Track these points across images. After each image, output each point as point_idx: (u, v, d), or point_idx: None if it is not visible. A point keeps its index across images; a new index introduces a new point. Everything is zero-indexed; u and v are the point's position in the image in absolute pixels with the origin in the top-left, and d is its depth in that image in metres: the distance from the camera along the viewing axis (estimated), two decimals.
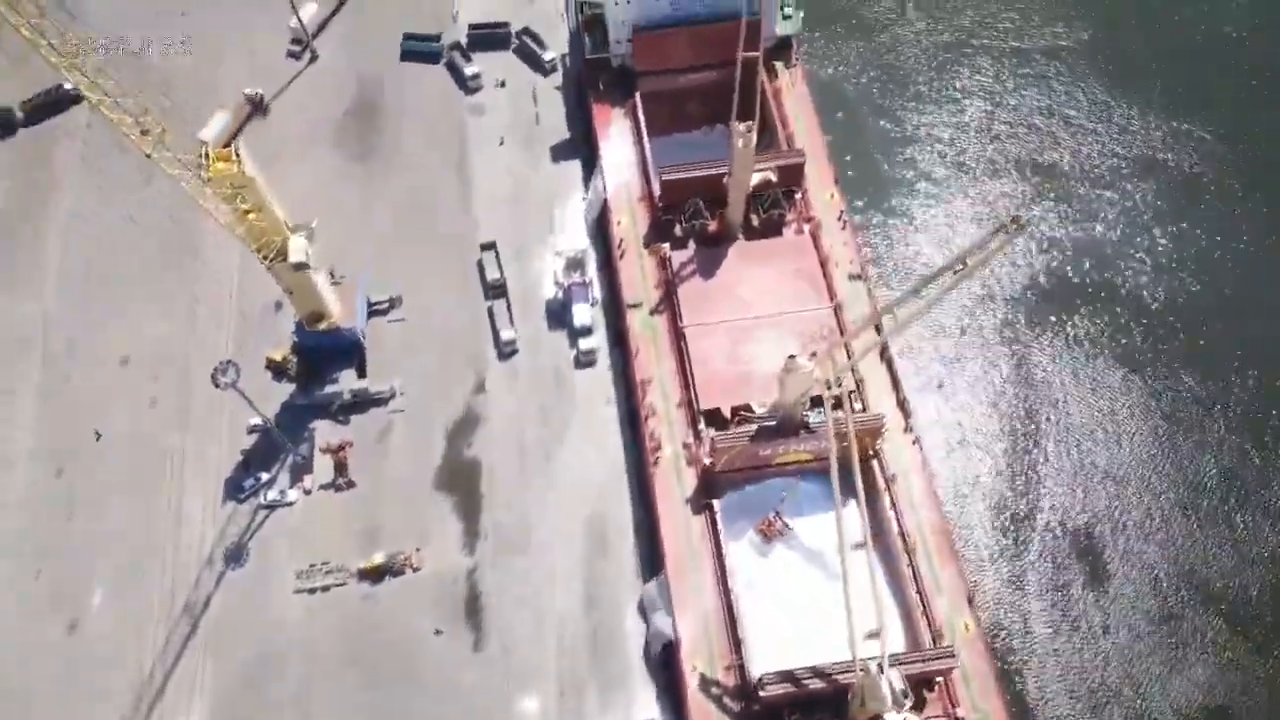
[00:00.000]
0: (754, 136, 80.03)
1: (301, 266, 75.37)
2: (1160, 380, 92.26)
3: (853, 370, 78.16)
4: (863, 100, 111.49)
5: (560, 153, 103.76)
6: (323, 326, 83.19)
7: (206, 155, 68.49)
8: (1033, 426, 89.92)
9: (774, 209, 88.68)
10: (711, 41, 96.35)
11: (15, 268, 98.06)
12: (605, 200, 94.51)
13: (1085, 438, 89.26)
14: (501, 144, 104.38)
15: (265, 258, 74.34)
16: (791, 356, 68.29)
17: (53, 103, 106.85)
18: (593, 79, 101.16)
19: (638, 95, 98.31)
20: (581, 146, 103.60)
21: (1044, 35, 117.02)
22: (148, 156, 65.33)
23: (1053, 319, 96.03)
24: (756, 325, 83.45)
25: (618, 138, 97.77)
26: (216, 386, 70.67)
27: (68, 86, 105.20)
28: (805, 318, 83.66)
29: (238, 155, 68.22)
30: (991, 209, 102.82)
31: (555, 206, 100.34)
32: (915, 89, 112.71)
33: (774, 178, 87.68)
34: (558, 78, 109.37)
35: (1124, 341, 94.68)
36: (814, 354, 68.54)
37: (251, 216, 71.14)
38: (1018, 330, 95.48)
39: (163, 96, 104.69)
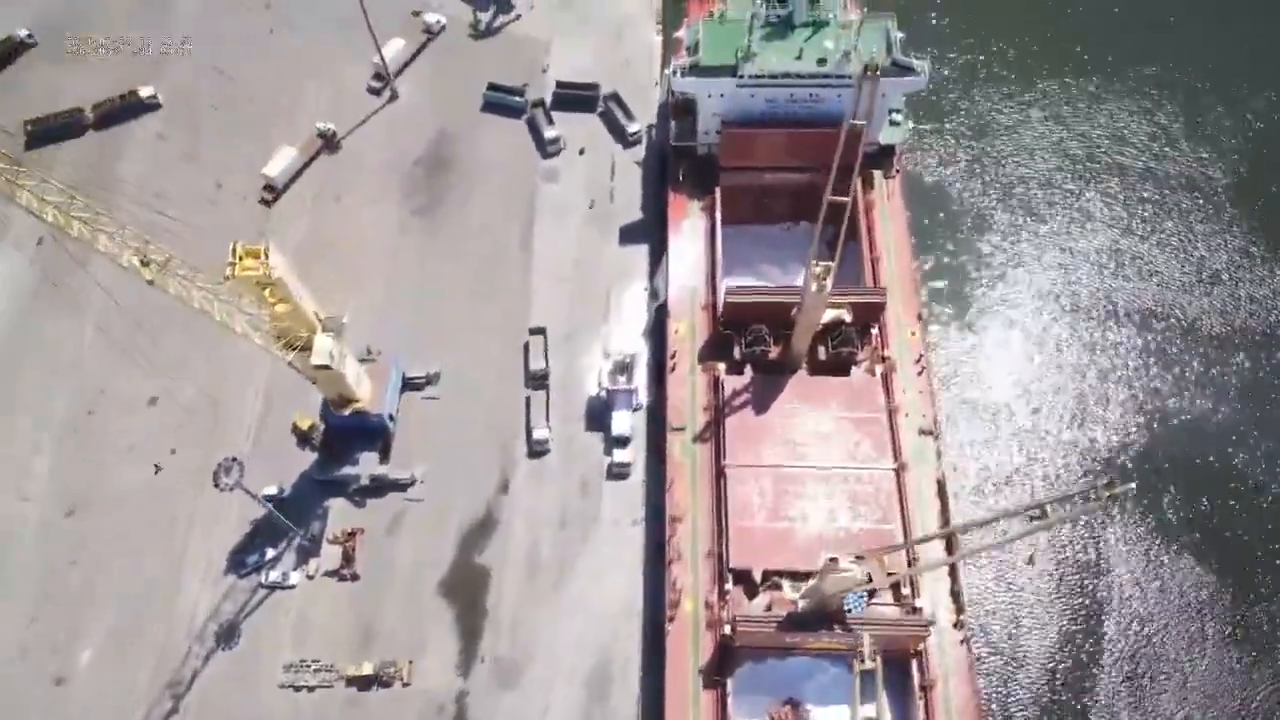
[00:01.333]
0: (830, 281, 71.82)
1: (323, 369, 70.02)
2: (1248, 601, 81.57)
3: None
4: (966, 213, 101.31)
5: (630, 235, 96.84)
6: (348, 412, 78.14)
7: (234, 253, 62.99)
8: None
9: (844, 345, 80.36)
10: (806, 145, 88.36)
11: (62, 292, 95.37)
12: (665, 302, 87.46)
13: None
14: (592, 207, 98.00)
15: (288, 346, 69.06)
16: (832, 559, 60.37)
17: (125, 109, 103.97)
18: (674, 166, 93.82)
19: (718, 191, 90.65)
20: (653, 231, 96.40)
21: (1187, 161, 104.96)
22: (150, 283, 60.13)
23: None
24: (806, 477, 75.47)
25: (689, 235, 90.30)
26: (217, 488, 66.00)
27: (144, 93, 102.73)
28: (863, 477, 75.31)
29: (266, 255, 62.74)
30: (1096, 366, 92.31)
31: (614, 293, 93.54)
32: (1030, 205, 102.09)
33: (848, 318, 79.30)
34: (640, 150, 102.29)
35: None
36: (859, 557, 60.82)
37: (279, 309, 65.98)
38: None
39: (247, 103, 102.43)
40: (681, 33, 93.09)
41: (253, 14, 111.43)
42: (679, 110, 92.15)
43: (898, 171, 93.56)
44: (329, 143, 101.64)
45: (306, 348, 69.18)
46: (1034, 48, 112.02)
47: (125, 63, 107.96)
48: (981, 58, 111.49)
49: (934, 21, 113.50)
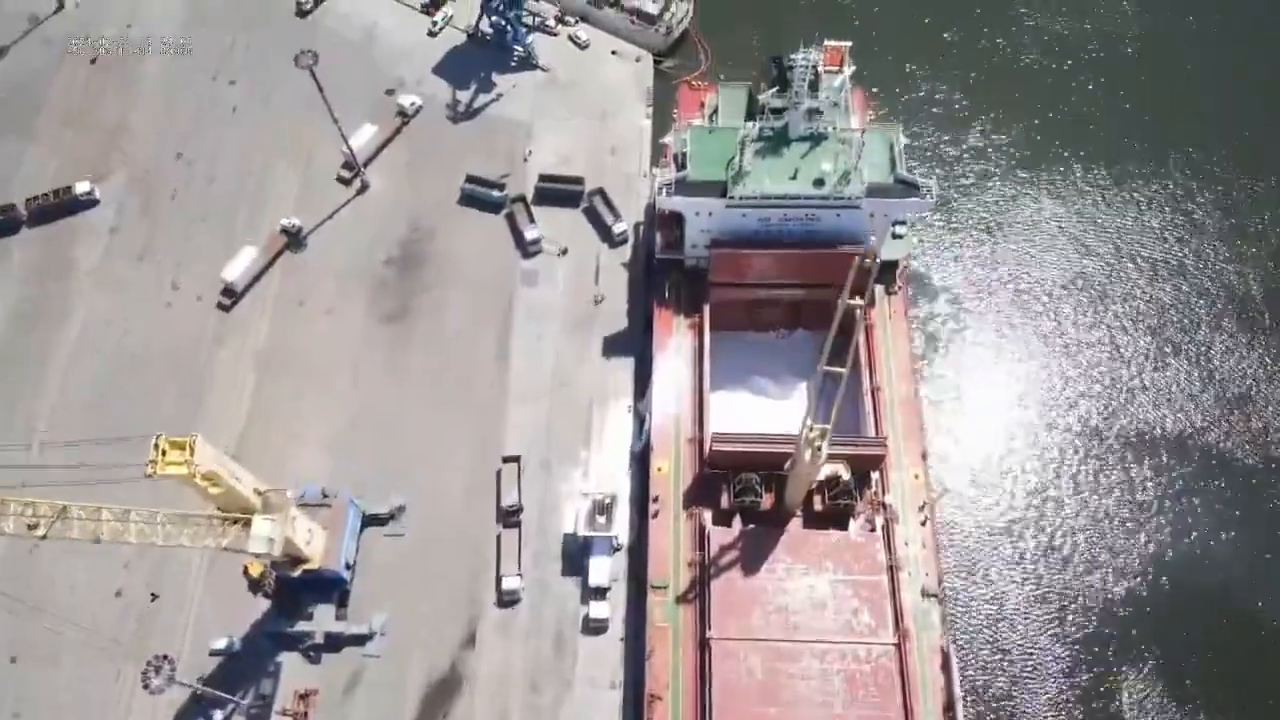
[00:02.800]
0: (825, 448, 64.82)
1: (256, 586, 62.79)
2: None
3: None
4: (980, 326, 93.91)
5: (614, 346, 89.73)
6: (298, 573, 71.03)
7: (158, 447, 55.73)
8: None
9: (842, 497, 73.34)
10: (801, 266, 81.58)
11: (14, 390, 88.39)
12: (648, 432, 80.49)
13: None
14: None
15: (225, 521, 61.76)
16: None
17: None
18: (660, 280, 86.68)
19: (706, 310, 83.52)
20: (639, 340, 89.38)
21: (1214, 265, 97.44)
22: (41, 538, 53.06)
23: None
24: (800, 653, 68.52)
25: (676, 357, 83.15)
26: (147, 689, 58.89)
27: (80, 189, 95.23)
28: (860, 654, 68.35)
29: (192, 450, 55.52)
30: (1115, 497, 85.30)
31: (596, 413, 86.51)
32: (1042, 308, 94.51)
33: (846, 474, 72.30)
34: (626, 250, 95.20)
35: None
36: None
37: (213, 491, 58.86)
38: None
39: (208, 191, 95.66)
40: (669, 139, 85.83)
41: (217, 88, 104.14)
42: (665, 222, 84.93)
43: (900, 286, 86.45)
44: (293, 240, 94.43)
45: (247, 522, 62.05)
46: (1046, 136, 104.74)
47: (83, 141, 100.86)
48: (990, 144, 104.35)
49: (937, 109, 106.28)
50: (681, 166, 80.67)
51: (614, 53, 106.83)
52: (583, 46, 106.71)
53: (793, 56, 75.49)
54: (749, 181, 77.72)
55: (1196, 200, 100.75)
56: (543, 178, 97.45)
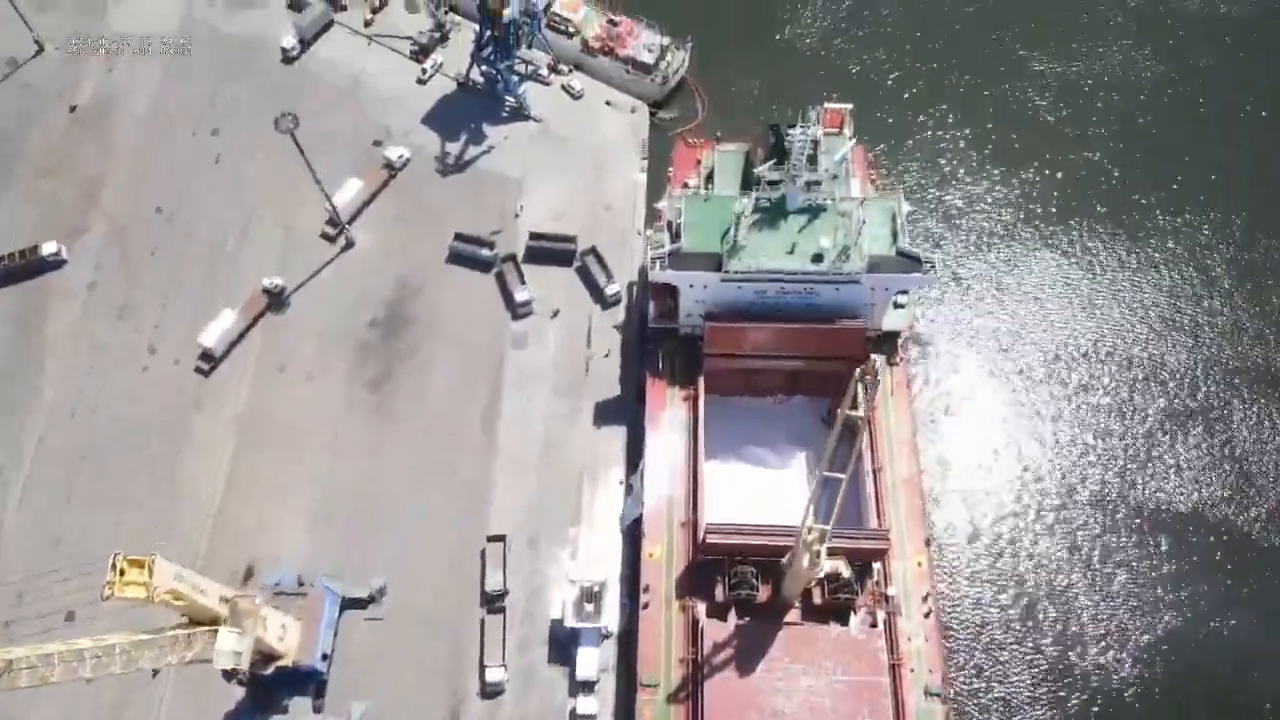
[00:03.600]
0: (823, 555, 61.47)
1: (230, 675, 59.52)
2: None
3: None
4: (986, 392, 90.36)
5: (605, 413, 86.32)
6: (271, 671, 67.71)
7: (116, 567, 52.37)
8: None
9: (842, 592, 69.88)
10: (800, 339, 78.29)
11: None
12: (640, 514, 77.11)
13: None
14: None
15: (190, 632, 58.38)
16: None
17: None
18: (653, 346, 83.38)
19: (701, 382, 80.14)
20: (632, 407, 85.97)
21: (1244, 341, 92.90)
22: None
23: None
24: None
25: (669, 432, 79.75)
26: None
27: (47, 250, 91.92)
28: None
29: (151, 571, 52.17)
30: (1138, 597, 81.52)
31: (587, 485, 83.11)
32: (1064, 386, 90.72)
33: (846, 572, 68.85)
34: (619, 311, 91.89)
35: None
36: None
37: (177, 603, 55.45)
38: None
39: (188, 248, 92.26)
40: (663, 204, 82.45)
41: (198, 139, 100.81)
42: (659, 291, 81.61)
43: (902, 358, 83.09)
44: (275, 300, 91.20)
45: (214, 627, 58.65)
46: (1056, 189, 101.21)
47: (61, 193, 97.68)
48: (997, 197, 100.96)
49: (942, 159, 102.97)
50: (675, 236, 77.35)
51: (608, 103, 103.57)
52: (576, 96, 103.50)
53: (790, 130, 72.31)
54: (744, 256, 74.42)
55: (1214, 258, 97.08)
56: (534, 236, 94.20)
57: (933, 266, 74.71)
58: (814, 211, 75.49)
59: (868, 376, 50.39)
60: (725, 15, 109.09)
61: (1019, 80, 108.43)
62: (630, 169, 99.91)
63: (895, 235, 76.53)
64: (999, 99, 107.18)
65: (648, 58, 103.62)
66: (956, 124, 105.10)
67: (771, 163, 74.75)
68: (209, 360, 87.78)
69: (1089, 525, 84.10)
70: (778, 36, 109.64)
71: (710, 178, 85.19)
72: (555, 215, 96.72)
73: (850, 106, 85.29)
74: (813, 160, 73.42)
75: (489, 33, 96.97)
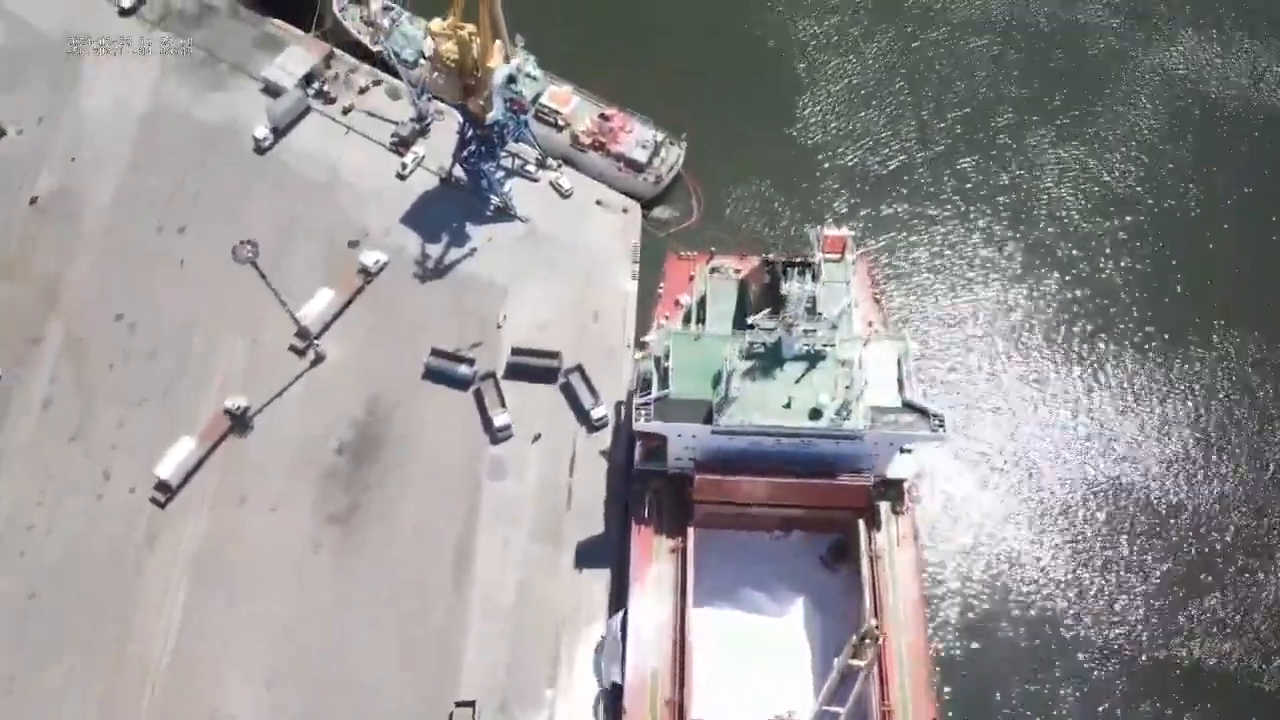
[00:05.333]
0: None
1: None
2: None
3: None
4: (998, 546, 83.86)
5: (588, 555, 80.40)
6: None
7: None
8: None
9: None
10: (798, 493, 72.55)
11: None
12: (621, 685, 71.12)
13: None
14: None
15: None
16: None
17: None
18: (639, 487, 77.56)
19: (690, 534, 74.23)
20: (615, 547, 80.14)
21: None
22: None
23: None
24: None
25: (654, 591, 73.72)
26: None
27: None
28: None
29: None
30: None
31: (565, 640, 77.16)
32: (1084, 536, 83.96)
33: None
34: (606, 435, 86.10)
35: None
36: None
37: None
38: None
39: (149, 361, 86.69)
40: (651, 337, 76.70)
41: (164, 236, 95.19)
42: (646, 434, 75.75)
43: (908, 506, 77.12)
44: (238, 422, 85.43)
45: None
46: (1079, 306, 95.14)
47: (18, 295, 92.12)
48: (1012, 312, 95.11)
49: (953, 266, 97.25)
50: (663, 380, 71.54)
51: (599, 202, 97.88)
52: (565, 195, 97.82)
53: (788, 268, 66.69)
54: (737, 410, 68.52)
55: (1258, 380, 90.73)
56: (515, 351, 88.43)
57: (942, 424, 68.54)
58: (812, 359, 69.67)
59: (868, 640, 44.44)
60: (722, 108, 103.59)
61: (1035, 171, 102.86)
62: (620, 276, 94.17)
63: (902, 383, 70.66)
64: (1013, 191, 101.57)
65: (640, 155, 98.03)
66: (964, 218, 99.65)
67: (766, 312, 68.90)
68: (165, 491, 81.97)
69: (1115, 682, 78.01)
70: (776, 129, 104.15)
71: (703, 303, 79.41)
72: (540, 326, 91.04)
73: (852, 233, 79.88)
74: (811, 310, 67.60)
75: (472, 132, 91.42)
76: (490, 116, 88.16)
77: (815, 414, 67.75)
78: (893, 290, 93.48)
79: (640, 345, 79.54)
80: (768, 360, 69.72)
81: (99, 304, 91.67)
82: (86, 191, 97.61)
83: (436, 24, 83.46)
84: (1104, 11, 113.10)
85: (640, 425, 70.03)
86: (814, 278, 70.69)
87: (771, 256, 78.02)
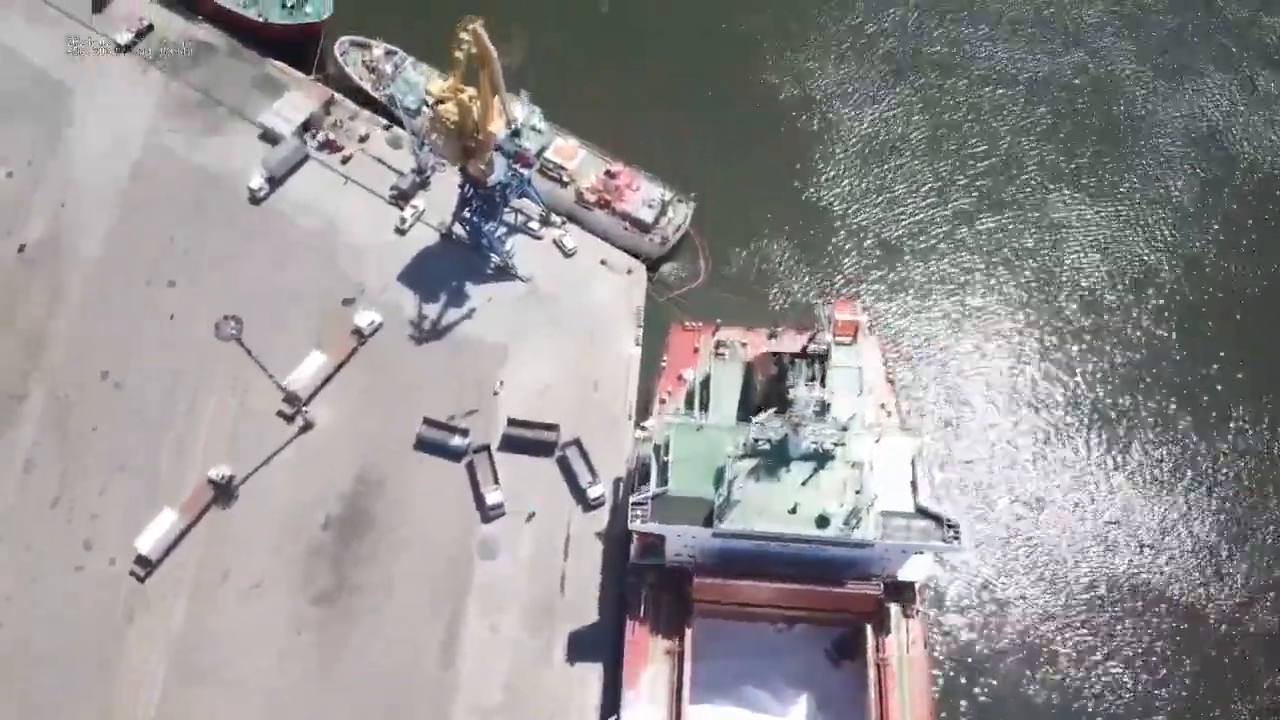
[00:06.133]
0: None
1: None
2: None
3: None
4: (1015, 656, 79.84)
5: (580, 647, 76.70)
6: None
7: None
8: None
9: None
10: (804, 598, 68.83)
11: None
12: None
13: None
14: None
15: None
16: None
17: None
18: (635, 584, 73.90)
19: (689, 636, 70.55)
20: (611, 637, 76.47)
21: None
22: None
23: None
24: None
25: (649, 695, 69.90)
26: None
27: None
28: None
29: None
30: None
31: None
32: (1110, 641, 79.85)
33: None
34: (603, 514, 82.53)
35: None
36: None
37: None
38: None
39: (134, 424, 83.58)
40: (651, 423, 73.05)
41: (153, 290, 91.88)
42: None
43: (919, 610, 73.13)
44: (222, 492, 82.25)
45: None
46: (1102, 398, 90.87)
47: (2, 347, 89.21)
48: (1035, 403, 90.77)
49: (970, 353, 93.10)
50: (661, 474, 67.88)
51: (603, 262, 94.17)
52: (569, 254, 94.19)
53: (794, 390, 63.06)
54: (738, 515, 64.75)
55: None
56: (512, 422, 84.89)
57: (957, 534, 64.60)
58: (820, 460, 65.86)
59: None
60: (732, 163, 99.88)
61: (1059, 234, 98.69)
62: (624, 341, 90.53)
63: (915, 485, 66.77)
64: (1035, 256, 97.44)
65: (647, 214, 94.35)
66: (984, 283, 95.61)
67: (771, 412, 65.11)
68: (145, 565, 78.88)
69: None
70: (787, 185, 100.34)
71: (706, 384, 75.68)
72: (539, 392, 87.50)
73: (864, 315, 76.02)
74: (820, 412, 63.86)
75: (472, 191, 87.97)
76: (492, 179, 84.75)
77: (822, 521, 63.95)
78: (906, 366, 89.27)
79: (640, 428, 75.63)
80: (772, 459, 65.96)
81: (84, 360, 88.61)
82: (75, 240, 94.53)
83: (436, 86, 79.90)
84: (1134, 67, 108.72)
85: (636, 525, 66.34)
86: (823, 380, 66.66)
87: (778, 347, 74.20)
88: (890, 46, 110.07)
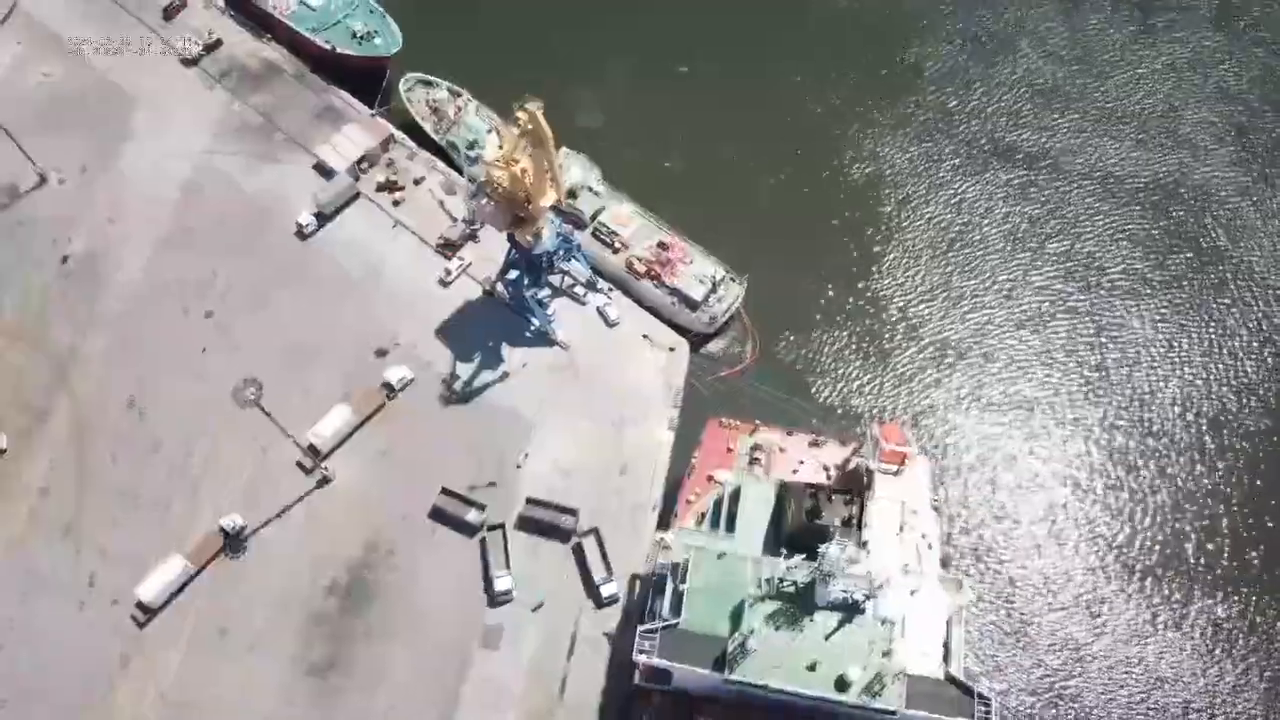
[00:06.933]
0: None
1: None
2: None
3: None
4: None
5: None
6: None
7: None
8: None
9: None
10: None
11: None
12: None
13: None
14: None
15: None
16: None
17: None
18: (637, 710, 69.63)
19: None
20: None
21: None
22: None
23: None
24: None
25: None
26: None
27: None
28: None
29: None
30: None
31: None
32: None
33: None
34: (613, 614, 78.41)
35: None
36: None
37: None
38: None
39: (152, 458, 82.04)
40: (670, 537, 68.70)
41: (190, 320, 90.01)
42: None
43: None
44: (231, 542, 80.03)
45: None
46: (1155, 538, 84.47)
47: (30, 365, 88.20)
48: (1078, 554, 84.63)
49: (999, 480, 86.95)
50: (675, 603, 63.55)
51: (646, 336, 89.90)
52: (611, 324, 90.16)
53: (825, 545, 58.30)
54: (752, 668, 59.95)
55: None
56: (530, 501, 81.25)
57: (988, 711, 59.15)
58: (847, 612, 60.82)
59: None
60: (792, 245, 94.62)
61: (1142, 354, 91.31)
62: (657, 423, 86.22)
63: (949, 650, 61.46)
64: (1113, 377, 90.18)
65: (697, 291, 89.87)
66: (1051, 403, 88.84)
67: (799, 559, 60.35)
68: (146, 611, 77.00)
69: None
70: (847, 272, 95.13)
71: (736, 498, 71.06)
72: (562, 471, 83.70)
73: (913, 449, 70.68)
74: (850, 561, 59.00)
75: (517, 255, 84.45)
76: (538, 249, 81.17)
77: (842, 684, 58.92)
78: (955, 489, 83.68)
79: (660, 535, 71.33)
80: (796, 606, 61.15)
81: (112, 384, 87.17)
82: (118, 257, 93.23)
83: (490, 151, 76.28)
84: (1238, 177, 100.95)
85: (642, 659, 62.10)
86: (859, 521, 61.65)
87: (819, 457, 69.78)
88: (975, 131, 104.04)
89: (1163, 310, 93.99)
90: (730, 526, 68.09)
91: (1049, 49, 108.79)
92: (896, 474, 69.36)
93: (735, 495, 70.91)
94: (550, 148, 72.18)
